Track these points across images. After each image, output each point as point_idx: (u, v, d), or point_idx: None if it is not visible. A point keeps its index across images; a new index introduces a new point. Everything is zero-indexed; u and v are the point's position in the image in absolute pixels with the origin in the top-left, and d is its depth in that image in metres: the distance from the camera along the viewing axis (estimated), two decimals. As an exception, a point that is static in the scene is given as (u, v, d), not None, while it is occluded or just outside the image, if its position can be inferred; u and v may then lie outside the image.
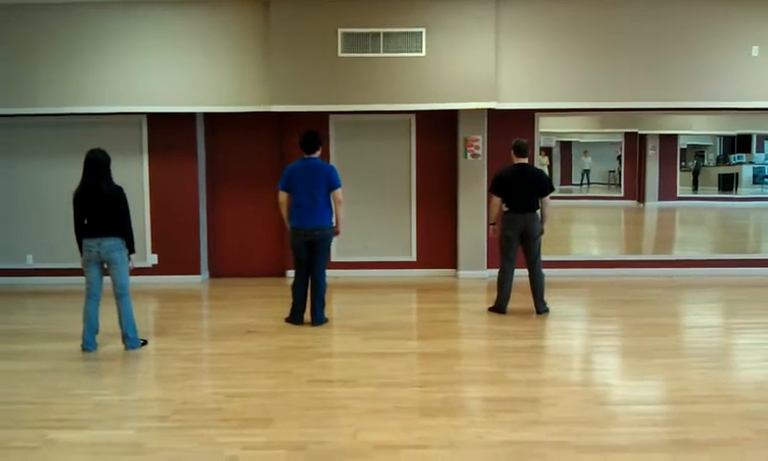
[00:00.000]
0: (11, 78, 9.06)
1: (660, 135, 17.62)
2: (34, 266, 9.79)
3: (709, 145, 20.78)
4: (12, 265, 9.79)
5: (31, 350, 6.49)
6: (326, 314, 7.38)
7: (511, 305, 7.78)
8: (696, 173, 20.24)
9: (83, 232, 6.29)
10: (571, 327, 7.36)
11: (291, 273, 8.01)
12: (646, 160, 17.85)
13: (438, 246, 9.99)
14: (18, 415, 4.85)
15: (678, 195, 18.21)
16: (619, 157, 19.21)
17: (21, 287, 9.55)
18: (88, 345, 6.38)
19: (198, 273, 9.79)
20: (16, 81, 9.06)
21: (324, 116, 9.76)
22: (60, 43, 9.03)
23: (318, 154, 7.16)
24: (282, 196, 7.12)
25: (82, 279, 6.52)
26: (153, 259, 9.70)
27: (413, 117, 9.88)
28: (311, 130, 7.22)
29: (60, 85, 9.06)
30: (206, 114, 9.77)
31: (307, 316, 7.31)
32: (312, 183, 7.02)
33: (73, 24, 9.01)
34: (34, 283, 9.67)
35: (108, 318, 6.61)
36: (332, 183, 7.09)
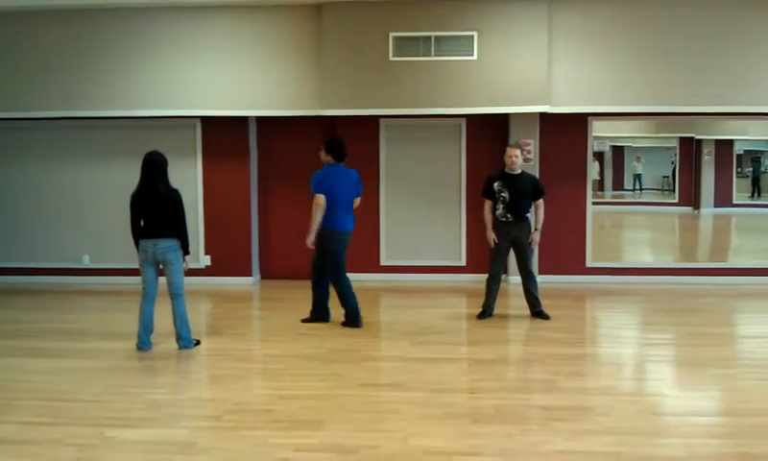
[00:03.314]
0: (69, 82, 9.27)
1: (716, 141, 17.23)
2: (90, 266, 10.00)
3: (766, 151, 20.26)
4: (68, 265, 10.01)
5: (88, 348, 6.63)
6: (372, 318, 7.57)
7: (561, 312, 7.71)
8: (756, 179, 19.72)
9: (139, 233, 6.41)
10: (625, 336, 7.24)
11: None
12: (701, 166, 17.47)
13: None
14: (76, 412, 4.97)
15: (734, 202, 17.78)
16: (674, 163, 18.84)
17: (78, 287, 9.76)
18: (143, 344, 6.50)
19: (249, 274, 9.89)
20: (75, 85, 9.26)
21: (374, 120, 9.78)
22: (117, 48, 9.20)
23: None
24: (322, 199, 7.17)
25: (137, 279, 6.66)
26: (206, 261, 9.82)
27: (464, 121, 9.83)
28: (340, 137, 7.45)
29: (118, 89, 9.24)
30: (259, 118, 9.87)
31: (339, 316, 7.43)
32: (350, 189, 7.27)
33: (129, 29, 9.18)
34: (90, 283, 9.87)
35: (163, 318, 6.72)
36: (360, 191, 7.42)
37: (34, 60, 9.28)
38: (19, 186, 10.00)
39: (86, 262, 10.02)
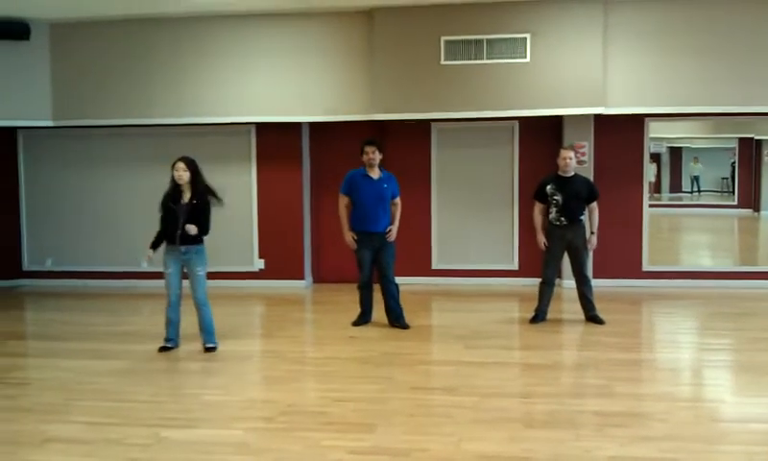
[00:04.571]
0: (129, 91, 9.49)
1: (776, 141, 16.76)
2: (148, 270, 10.19)
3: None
4: (127, 268, 10.24)
5: (144, 350, 6.75)
6: (424, 322, 7.68)
7: (616, 317, 7.58)
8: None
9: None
10: (682, 341, 7.09)
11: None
12: (761, 167, 17.00)
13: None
14: (133, 413, 5.07)
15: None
16: (733, 164, 18.37)
17: (136, 290, 9.97)
18: (214, 342, 6.64)
19: (302, 278, 9.97)
20: (135, 93, 9.48)
21: (426, 124, 9.78)
22: (174, 57, 9.38)
23: None
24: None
25: (193, 283, 6.78)
26: (260, 264, 9.92)
27: (516, 124, 9.75)
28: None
29: (175, 97, 9.43)
30: (311, 123, 9.95)
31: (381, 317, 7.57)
32: None
33: (185, 38, 9.35)
34: (148, 286, 10.05)
35: (217, 319, 6.82)
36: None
37: (94, 69, 9.53)
38: (80, 192, 10.27)
39: (144, 266, 10.21)
